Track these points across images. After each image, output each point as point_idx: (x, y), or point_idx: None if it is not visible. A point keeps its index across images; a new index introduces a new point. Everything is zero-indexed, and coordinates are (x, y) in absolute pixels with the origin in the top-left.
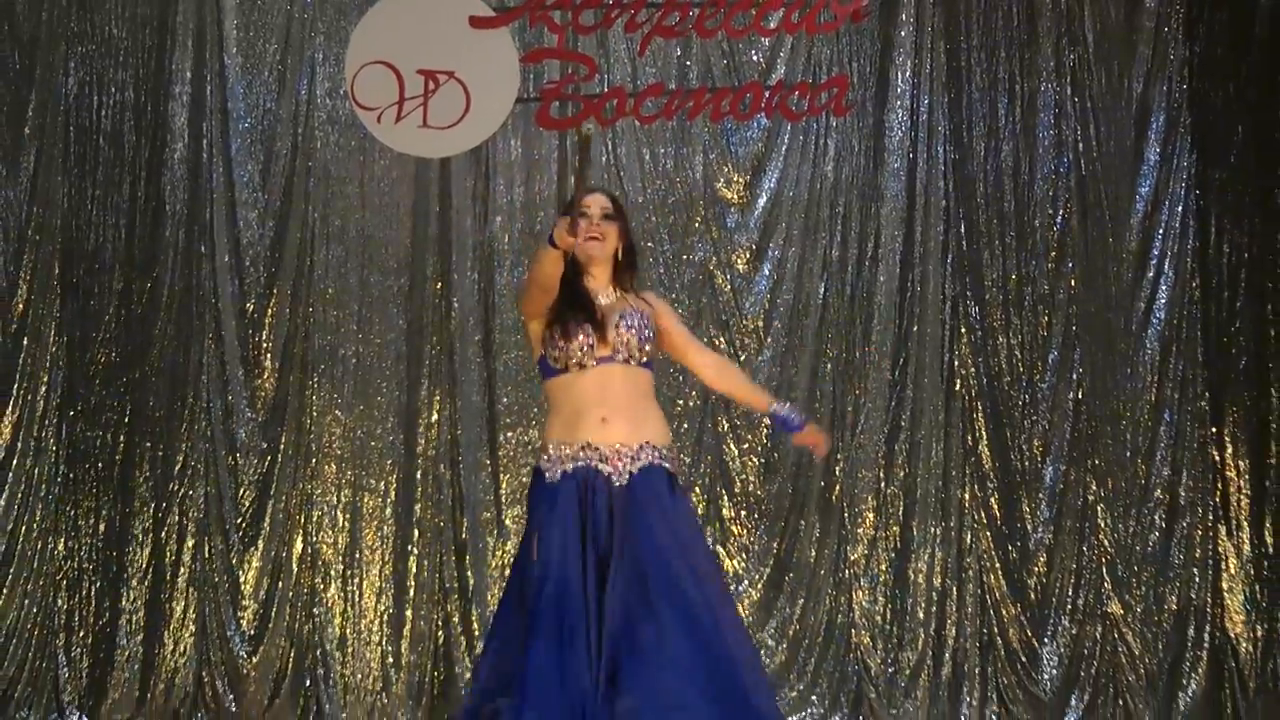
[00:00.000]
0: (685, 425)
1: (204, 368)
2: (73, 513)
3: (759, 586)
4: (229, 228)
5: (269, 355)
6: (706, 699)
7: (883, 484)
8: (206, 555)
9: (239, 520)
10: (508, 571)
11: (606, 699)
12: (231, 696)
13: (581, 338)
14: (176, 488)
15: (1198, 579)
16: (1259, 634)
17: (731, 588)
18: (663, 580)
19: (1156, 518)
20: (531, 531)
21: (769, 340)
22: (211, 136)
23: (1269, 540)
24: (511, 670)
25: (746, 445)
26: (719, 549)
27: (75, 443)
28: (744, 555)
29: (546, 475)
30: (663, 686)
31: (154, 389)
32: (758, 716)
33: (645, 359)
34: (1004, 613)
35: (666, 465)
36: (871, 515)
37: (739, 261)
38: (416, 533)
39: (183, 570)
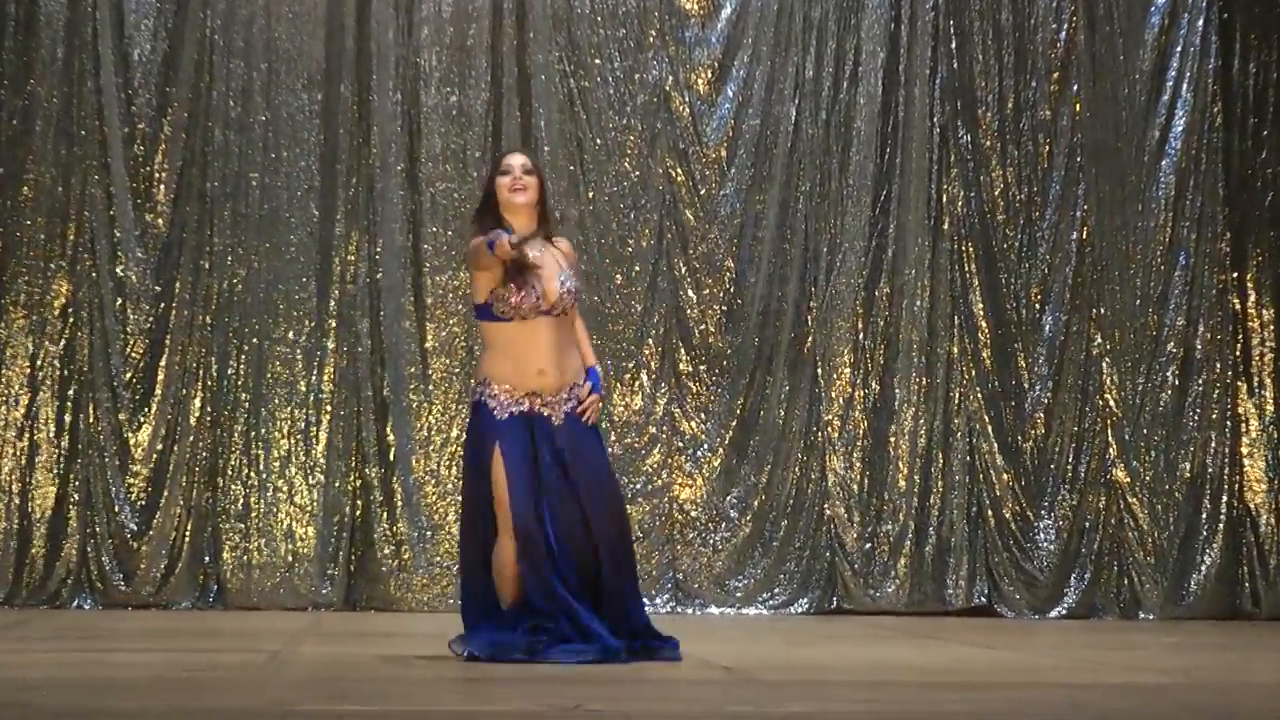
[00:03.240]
0: (637, 268)
1: (87, 200)
2: None
3: (720, 451)
4: (115, 39)
5: (161, 186)
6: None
7: (860, 335)
8: (90, 414)
9: (128, 374)
10: (433, 435)
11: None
12: (120, 575)
13: (532, 297)
14: (55, 336)
15: (1214, 443)
16: None
17: (690, 451)
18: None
19: (1169, 374)
20: (487, 448)
21: (732, 171)
22: None
23: None
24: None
25: (707, 291)
26: (674, 410)
27: None
28: (703, 416)
29: (496, 413)
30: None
31: (28, 223)
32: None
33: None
34: (996, 481)
35: (582, 400)
36: (847, 371)
37: (699, 81)
38: (330, 389)
39: (63, 432)
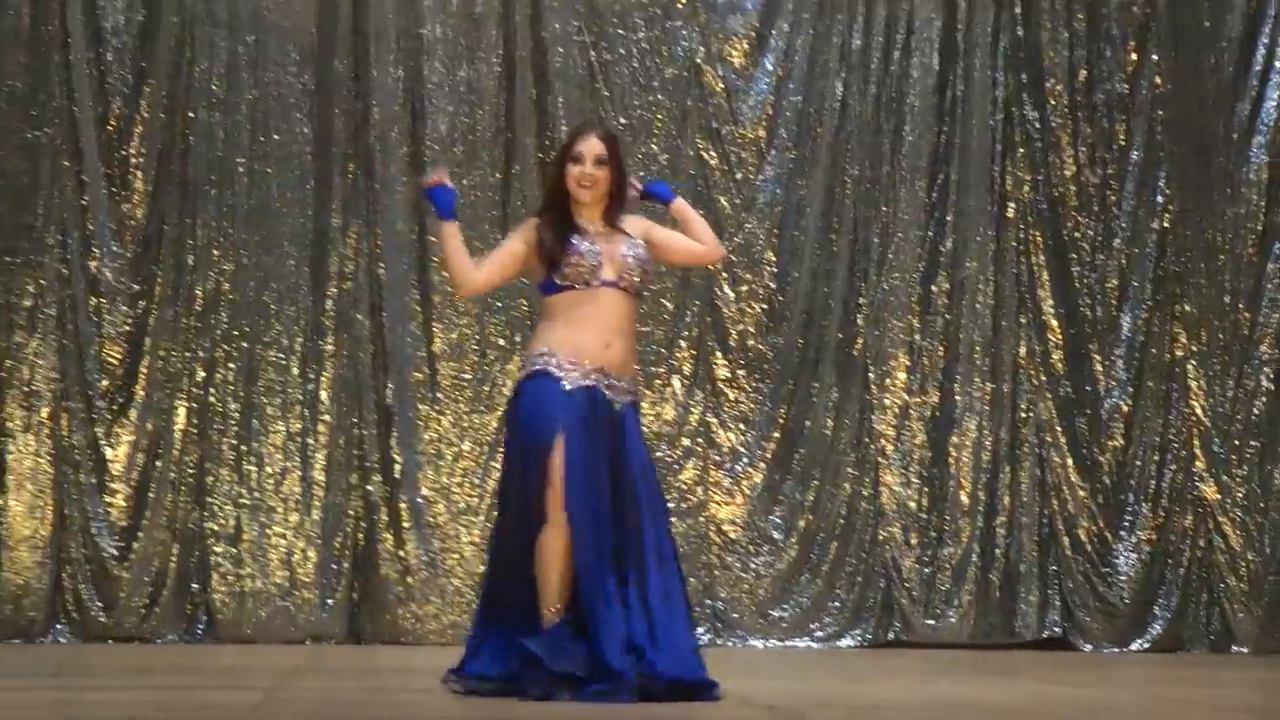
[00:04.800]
0: None
1: (56, 188)
2: None
3: (761, 465)
4: (86, 8)
5: (139, 174)
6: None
7: (917, 336)
8: (64, 426)
9: (104, 383)
10: (443, 448)
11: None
12: (100, 604)
13: (590, 256)
14: (22, 340)
15: None
16: None
17: (728, 466)
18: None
19: (1262, 378)
20: (548, 428)
21: (772, 154)
22: None
23: None
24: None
25: (745, 288)
26: (710, 419)
27: None
28: (742, 426)
29: (563, 383)
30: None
31: None
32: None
33: (641, 287)
34: (1070, 498)
35: (637, 400)
36: (902, 376)
37: (734, 53)
38: (328, 397)
39: (31, 445)
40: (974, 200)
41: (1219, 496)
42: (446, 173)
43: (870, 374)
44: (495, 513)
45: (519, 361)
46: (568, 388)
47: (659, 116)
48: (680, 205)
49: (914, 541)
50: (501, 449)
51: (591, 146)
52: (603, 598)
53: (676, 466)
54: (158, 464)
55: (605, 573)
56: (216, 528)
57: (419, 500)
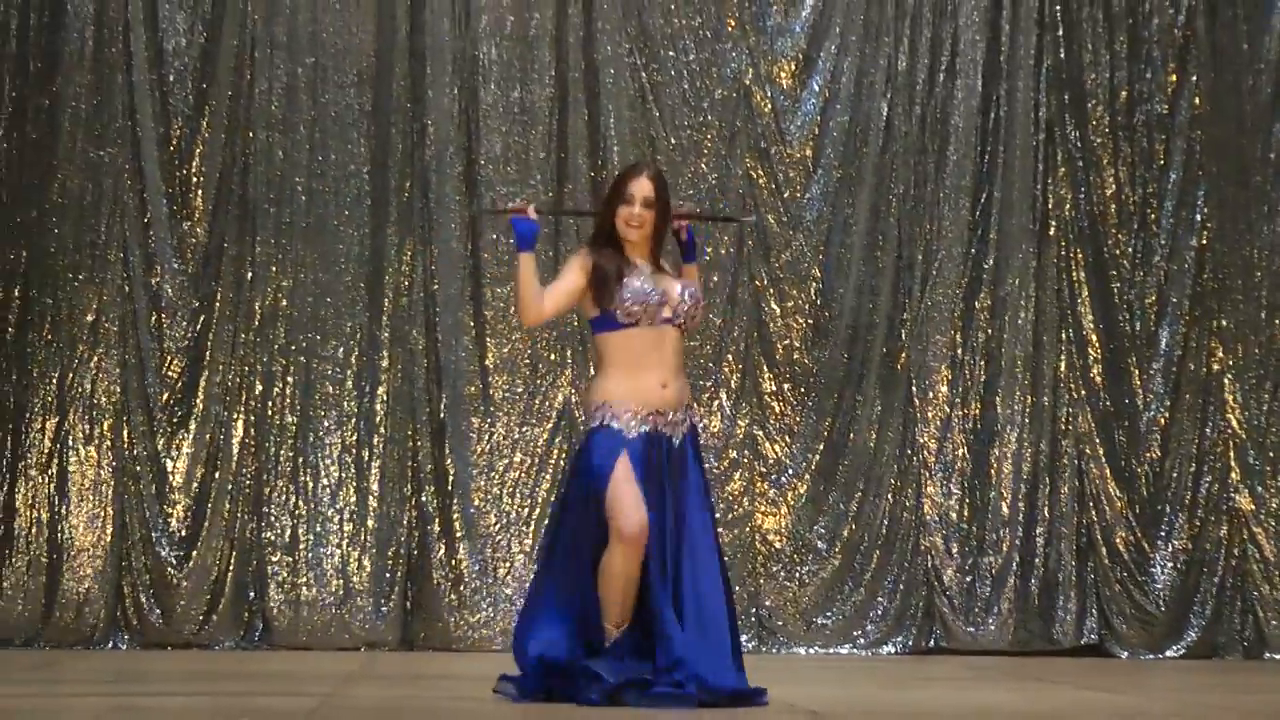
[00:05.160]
0: (715, 278)
1: (119, 207)
2: None
3: (806, 477)
4: (149, 30)
5: (200, 192)
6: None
7: (959, 350)
8: (125, 439)
9: (165, 396)
10: (494, 459)
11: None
12: (158, 612)
13: (652, 295)
14: (85, 354)
15: None
16: None
17: (774, 477)
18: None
19: None
20: (606, 469)
21: (818, 173)
22: None
23: None
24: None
25: (791, 303)
26: (756, 432)
27: None
28: (788, 439)
29: (625, 433)
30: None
31: (55, 232)
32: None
33: (697, 326)
34: (1108, 509)
35: (693, 424)
36: (945, 389)
37: (781, 74)
38: (383, 411)
39: (93, 457)
40: (1016, 218)
41: (1253, 507)
42: (531, 207)
43: (913, 388)
44: (545, 531)
45: (571, 381)
46: (629, 437)
47: (708, 136)
48: (694, 269)
49: (955, 551)
50: (552, 463)
51: (641, 187)
52: (663, 613)
53: (724, 478)
54: (216, 475)
55: (665, 588)
56: (273, 537)
57: (471, 510)
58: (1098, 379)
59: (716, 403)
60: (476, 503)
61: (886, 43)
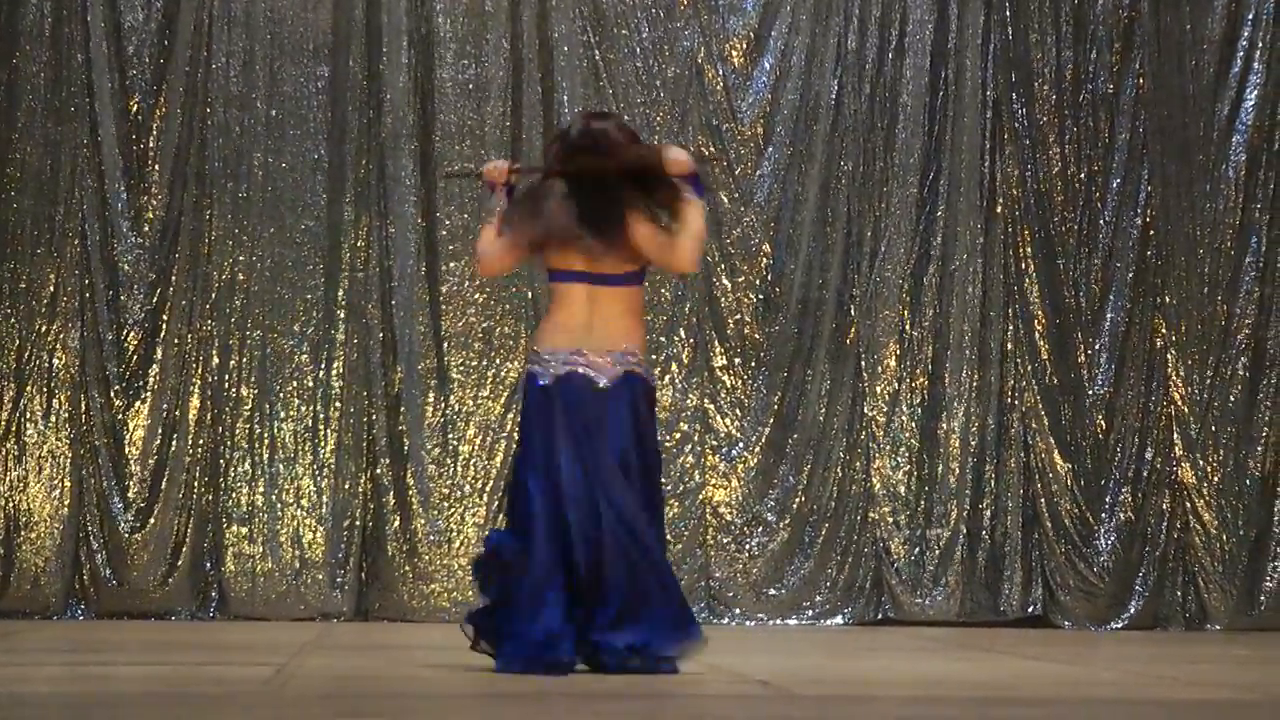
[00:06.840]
0: None
1: (77, 180)
2: None
3: (756, 450)
4: (106, 6)
5: (157, 167)
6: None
7: (907, 326)
8: (83, 410)
9: (122, 368)
10: (449, 433)
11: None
12: (114, 581)
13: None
14: (43, 327)
15: None
16: None
17: (724, 450)
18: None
19: (1239, 367)
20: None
21: (769, 150)
22: None
23: None
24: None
25: (742, 279)
26: (707, 405)
27: None
28: (738, 412)
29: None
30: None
31: (14, 205)
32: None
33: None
34: (1054, 482)
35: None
36: (893, 364)
37: (733, 53)
38: (339, 384)
39: (52, 428)
40: (964, 196)
41: (1195, 480)
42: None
43: (862, 362)
44: (500, 495)
45: (524, 355)
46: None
47: (660, 114)
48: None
49: (903, 523)
50: (504, 436)
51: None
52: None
53: (675, 451)
54: (173, 446)
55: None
56: (230, 508)
57: (426, 483)
58: (1044, 354)
59: (668, 376)
60: (431, 475)
61: (837, 22)
